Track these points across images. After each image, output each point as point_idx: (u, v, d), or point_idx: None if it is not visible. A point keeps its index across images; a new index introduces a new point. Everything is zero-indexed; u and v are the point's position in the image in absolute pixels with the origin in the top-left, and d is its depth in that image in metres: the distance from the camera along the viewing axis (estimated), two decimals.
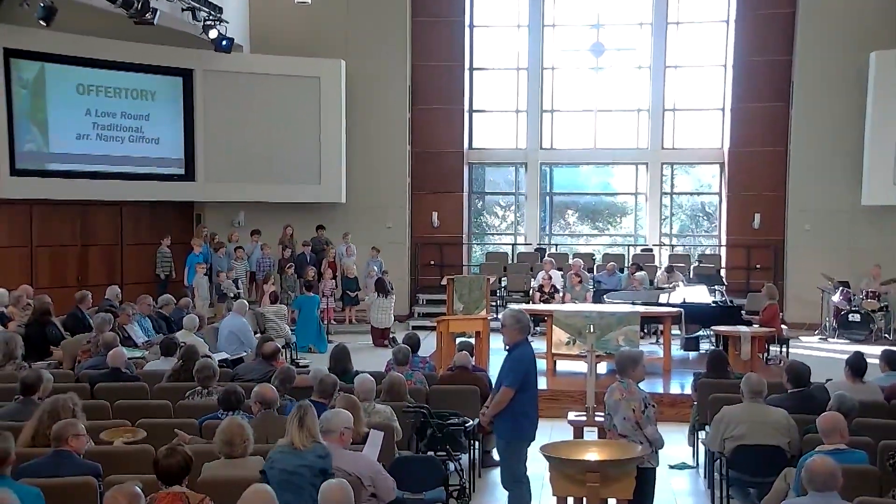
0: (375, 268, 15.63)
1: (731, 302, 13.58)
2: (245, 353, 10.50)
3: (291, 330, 13.25)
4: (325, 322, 14.54)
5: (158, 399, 7.24)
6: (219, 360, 9.58)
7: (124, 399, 7.11)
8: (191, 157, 16.11)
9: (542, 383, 10.57)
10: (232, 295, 14.18)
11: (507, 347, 6.03)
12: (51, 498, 4.54)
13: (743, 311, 13.12)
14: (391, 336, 14.26)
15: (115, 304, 11.30)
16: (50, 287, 13.98)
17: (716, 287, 14.51)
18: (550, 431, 8.35)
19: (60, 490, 4.72)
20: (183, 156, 16.09)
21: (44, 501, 4.48)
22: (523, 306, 13.28)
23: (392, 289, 14.70)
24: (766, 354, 11.96)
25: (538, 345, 12.76)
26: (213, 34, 14.37)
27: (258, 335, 10.89)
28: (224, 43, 14.60)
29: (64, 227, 15.31)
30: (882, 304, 14.55)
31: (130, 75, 15.43)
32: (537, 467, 6.34)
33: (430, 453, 6.59)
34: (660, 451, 5.69)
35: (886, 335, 14.44)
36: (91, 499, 4.78)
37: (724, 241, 17.64)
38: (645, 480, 5.40)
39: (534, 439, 6.00)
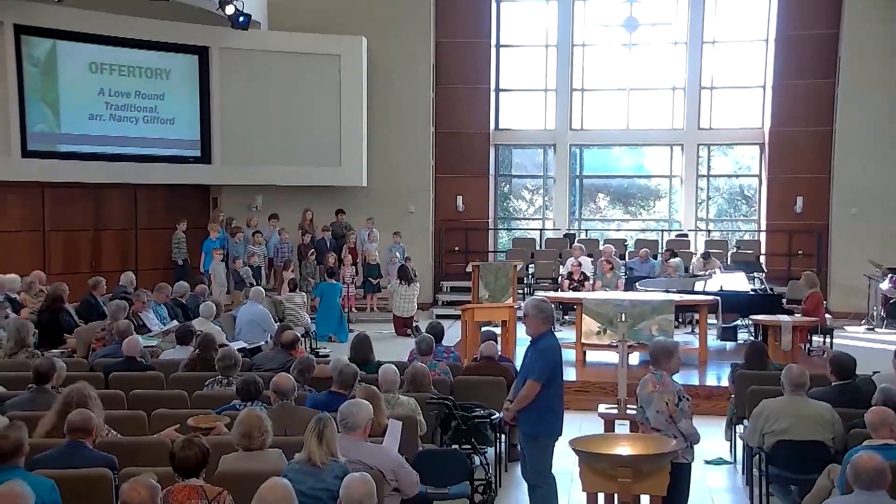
0: (398, 254, 15.66)
1: (771, 290, 13.47)
2: (263, 343, 10.58)
3: (311, 318, 13.31)
4: (346, 310, 14.60)
5: (174, 389, 7.31)
6: (236, 349, 9.69)
7: (139, 389, 7.19)
8: (207, 138, 16.19)
9: (571, 374, 10.70)
10: (249, 282, 14.27)
11: (531, 338, 6.00)
12: (65, 490, 4.59)
13: (784, 300, 13.00)
14: (414, 325, 14.29)
15: (129, 291, 11.41)
16: (63, 273, 14.13)
17: (755, 274, 14.40)
18: (580, 424, 8.34)
19: (75, 482, 4.77)
20: (199, 137, 16.17)
21: (58, 494, 4.53)
22: (551, 294, 13.28)
23: (415, 276, 14.72)
24: (808, 345, 11.86)
25: (567, 334, 12.86)
26: (229, 10, 14.40)
27: (277, 324, 10.95)
28: (241, 19, 14.62)
29: (77, 210, 15.47)
30: None
31: (144, 53, 15.51)
32: (566, 462, 6.32)
33: (455, 446, 6.60)
34: (695, 446, 5.65)
35: None
36: (106, 491, 4.83)
37: (763, 226, 17.46)
38: (680, 476, 5.37)
39: (561, 434, 5.97)
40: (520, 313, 12.68)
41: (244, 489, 4.32)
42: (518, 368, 6.38)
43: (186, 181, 16.37)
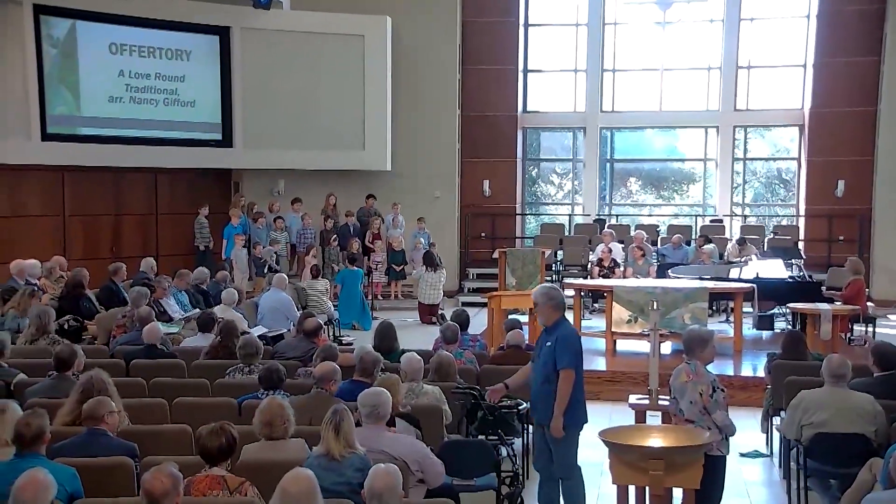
0: (423, 240, 15.67)
1: (810, 277, 13.35)
2: (285, 330, 10.65)
3: (334, 305, 13.37)
4: (371, 297, 14.64)
5: (196, 377, 7.38)
6: (257, 336, 9.76)
7: (160, 377, 7.26)
8: (228, 121, 16.26)
9: (601, 364, 10.68)
10: (268, 268, 14.35)
11: (545, 327, 5.98)
12: (86, 478, 4.65)
13: (823, 287, 12.85)
14: (439, 313, 14.31)
15: (150, 277, 11.51)
16: (83, 258, 14.31)
17: (793, 261, 14.27)
18: (610, 415, 8.33)
19: (96, 470, 4.84)
20: (220, 120, 16.24)
21: (79, 482, 4.60)
22: (580, 281, 13.25)
23: (440, 262, 14.73)
24: (849, 334, 11.73)
25: (597, 322, 12.82)
26: None
27: (300, 311, 11.01)
28: None
29: (97, 195, 15.63)
30: None
31: (165, 34, 15.60)
32: (596, 454, 6.32)
33: (481, 437, 6.60)
34: (730, 439, 5.62)
35: None
36: (127, 479, 4.90)
37: (802, 211, 17.27)
38: (714, 469, 5.35)
39: (587, 421, 5.98)
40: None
41: (266, 479, 4.35)
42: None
43: (207, 165, 16.47)
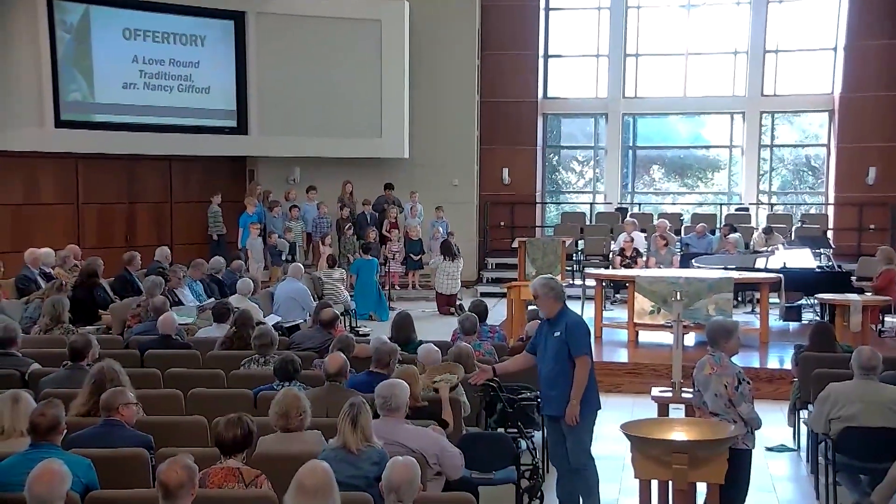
0: (441, 229, 15.66)
1: (839, 267, 13.25)
2: (301, 321, 10.68)
3: (350, 296, 13.40)
4: (388, 287, 14.65)
5: (211, 368, 7.41)
6: (272, 326, 9.79)
7: (175, 367, 7.31)
8: (243, 108, 16.31)
9: (623, 356, 10.68)
10: (284, 256, 14.40)
11: (547, 318, 6.03)
12: (101, 469, 4.69)
13: (853, 277, 12.76)
14: (458, 303, 14.31)
15: (164, 267, 11.58)
16: (97, 247, 14.42)
17: (821, 250, 14.18)
18: (632, 408, 8.31)
19: (111, 461, 4.87)
20: (235, 107, 16.29)
21: (95, 473, 4.64)
22: (602, 271, 13.21)
23: (459, 252, 14.73)
24: (879, 326, 11.64)
25: (619, 313, 12.79)
26: None
27: (316, 301, 11.04)
28: None
29: (111, 183, 15.73)
30: None
31: (179, 18, 15.64)
32: (617, 448, 6.31)
33: (500, 430, 6.60)
34: (756, 432, 5.59)
35: None
36: (142, 471, 4.93)
37: (831, 199, 17.15)
38: (740, 463, 5.33)
39: (601, 407, 6.06)
40: (570, 292, 12.56)
41: (282, 471, 4.36)
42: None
43: (222, 153, 16.53)
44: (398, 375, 5.78)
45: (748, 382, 5.58)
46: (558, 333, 5.90)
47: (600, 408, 6.06)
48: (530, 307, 10.57)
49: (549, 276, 6.25)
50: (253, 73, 16.27)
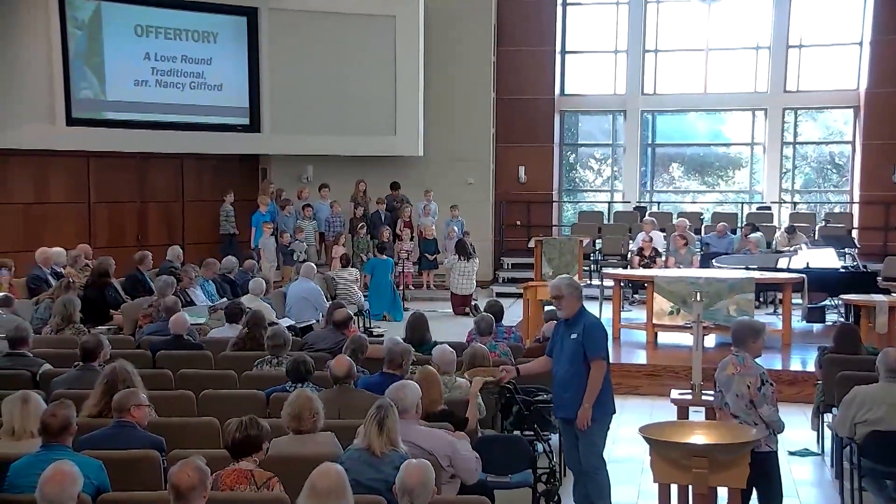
0: (456, 228, 15.66)
1: (865, 267, 13.15)
2: (314, 321, 10.70)
3: (364, 296, 13.42)
4: (402, 287, 14.66)
5: (223, 369, 7.45)
6: (285, 327, 9.81)
7: (187, 368, 7.34)
8: (256, 105, 16.36)
9: (641, 357, 10.67)
10: (298, 257, 14.43)
11: (566, 319, 6.00)
12: (113, 471, 4.72)
13: (879, 278, 12.68)
14: (473, 303, 14.31)
15: (176, 266, 11.63)
16: (108, 246, 14.50)
17: (846, 250, 14.11)
18: (651, 411, 8.29)
19: (122, 463, 4.90)
20: (247, 104, 16.35)
21: (106, 474, 4.66)
22: (620, 271, 13.17)
23: (474, 251, 14.72)
24: None
25: (637, 314, 12.75)
26: None
27: (329, 301, 11.06)
28: None
29: (122, 181, 15.81)
30: None
31: (191, 15, 15.71)
32: (636, 451, 6.30)
33: (517, 433, 6.59)
34: (779, 436, 5.56)
35: None
36: (154, 473, 4.96)
37: (856, 198, 17.03)
38: (769, 467, 5.34)
39: (616, 411, 6.06)
40: (587, 292, 12.52)
41: (295, 473, 4.38)
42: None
43: (234, 151, 16.59)
44: (419, 377, 5.79)
45: (771, 384, 5.56)
46: (575, 335, 5.89)
47: (615, 412, 6.05)
48: (547, 308, 10.55)
49: (569, 276, 6.24)
50: (266, 70, 16.32)
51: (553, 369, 6.11)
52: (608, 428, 6.04)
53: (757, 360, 5.65)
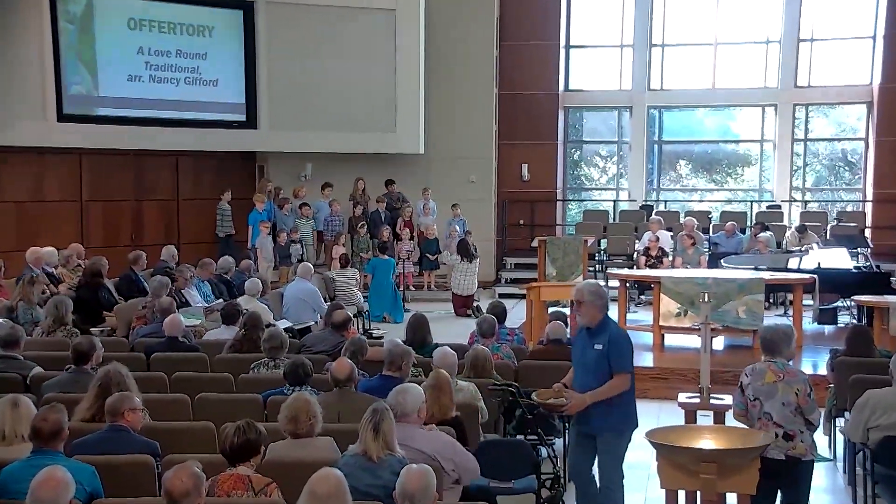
0: (458, 227, 15.65)
1: (878, 267, 13.17)
2: (312, 323, 10.70)
3: (364, 297, 13.43)
4: (402, 288, 14.68)
5: (219, 371, 7.45)
6: (283, 329, 9.81)
7: (182, 371, 7.35)
8: (252, 101, 16.36)
9: (648, 360, 10.65)
10: (296, 258, 14.43)
11: (587, 327, 5.83)
12: (106, 477, 4.72)
13: (892, 278, 12.66)
14: (475, 304, 14.31)
15: (171, 266, 11.64)
16: (102, 246, 14.51)
17: (858, 250, 14.10)
18: (658, 415, 8.28)
19: (116, 468, 4.91)
20: (244, 100, 16.34)
21: (99, 480, 4.66)
22: (626, 272, 13.16)
23: (476, 251, 14.72)
24: None
25: (644, 316, 12.74)
26: None
27: (328, 302, 11.07)
28: None
29: (116, 179, 15.82)
30: None
31: (186, 8, 15.70)
32: (643, 456, 6.29)
33: (520, 437, 6.59)
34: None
35: None
36: (148, 479, 4.96)
37: (869, 196, 17.01)
38: (807, 477, 5.36)
39: (637, 426, 5.92)
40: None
41: (293, 479, 4.38)
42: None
43: (230, 148, 16.58)
44: (429, 382, 5.78)
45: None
46: (600, 346, 5.74)
47: (637, 426, 5.91)
48: (551, 309, 10.57)
49: (598, 282, 6.12)
50: (263, 65, 16.31)
51: (574, 378, 5.95)
52: (629, 441, 5.90)
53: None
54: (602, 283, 13.90)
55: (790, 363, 5.55)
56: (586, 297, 5.77)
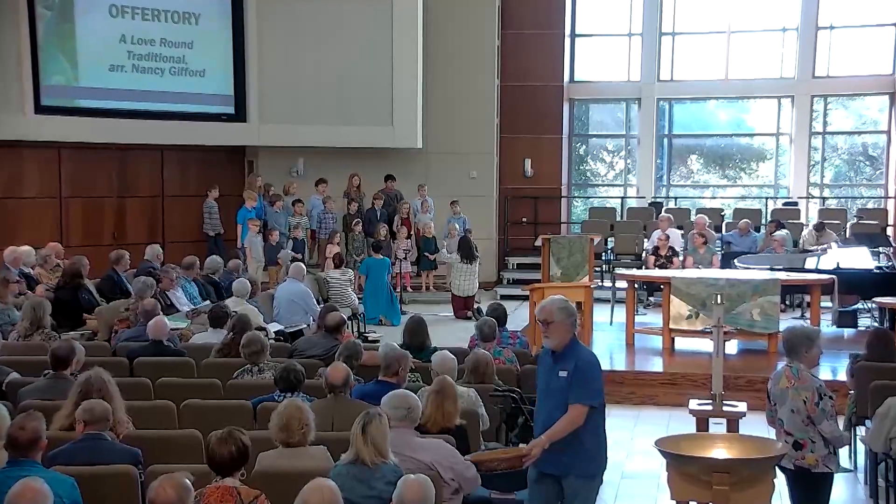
0: (458, 226, 15.65)
1: None
2: (305, 325, 10.70)
3: (359, 298, 13.43)
4: (399, 289, 14.68)
5: (206, 377, 7.44)
6: (274, 332, 9.82)
7: (167, 376, 7.33)
8: (241, 93, 16.36)
9: (657, 365, 10.66)
10: (289, 256, 14.44)
11: (553, 350, 5.24)
12: (86, 487, 4.71)
13: None
14: (475, 306, 14.31)
15: (155, 266, 11.64)
16: (82, 245, 14.51)
17: (880, 249, 14.11)
18: (668, 422, 8.29)
19: (96, 479, 4.90)
20: (233, 92, 16.35)
21: (79, 492, 4.66)
22: (634, 272, 13.16)
23: (477, 251, 14.72)
24: None
25: (653, 318, 12.75)
26: None
27: (321, 304, 11.08)
28: None
29: (97, 174, 15.81)
30: None
31: None
32: (652, 465, 6.29)
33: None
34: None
35: None
36: (130, 489, 4.96)
37: (891, 192, 17.07)
38: (820, 489, 5.35)
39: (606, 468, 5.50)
40: (598, 294, 12.55)
41: (284, 490, 4.38)
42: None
43: (218, 142, 16.58)
44: (434, 388, 5.78)
45: (830, 397, 5.53)
46: (564, 373, 5.16)
47: (606, 468, 5.42)
48: None
49: (565, 298, 5.44)
50: (252, 55, 16.31)
51: (536, 410, 5.45)
52: (601, 484, 5.52)
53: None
54: (609, 283, 13.99)
55: (806, 368, 5.53)
56: (557, 317, 5.20)
